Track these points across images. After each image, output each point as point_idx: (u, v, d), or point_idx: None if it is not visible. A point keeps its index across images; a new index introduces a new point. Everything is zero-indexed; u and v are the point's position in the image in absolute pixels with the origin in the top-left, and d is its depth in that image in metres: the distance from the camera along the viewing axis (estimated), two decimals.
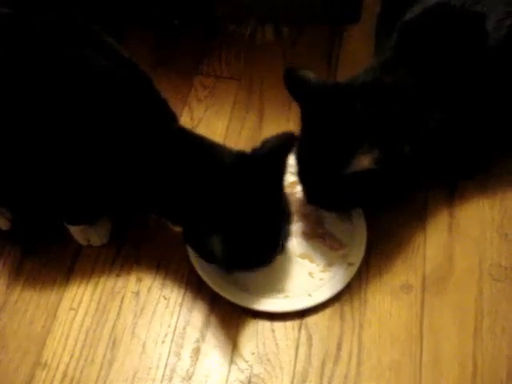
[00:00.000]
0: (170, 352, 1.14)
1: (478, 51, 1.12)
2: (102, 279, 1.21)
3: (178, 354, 1.14)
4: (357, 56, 1.50)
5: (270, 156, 1.08)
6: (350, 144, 1.06)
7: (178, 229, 1.18)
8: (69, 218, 1.20)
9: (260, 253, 1.11)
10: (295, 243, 1.22)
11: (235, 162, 1.08)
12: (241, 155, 1.10)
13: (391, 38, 1.18)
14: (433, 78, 1.12)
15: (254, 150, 1.10)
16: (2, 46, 1.00)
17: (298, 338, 1.15)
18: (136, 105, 1.06)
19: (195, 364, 1.13)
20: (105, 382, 1.11)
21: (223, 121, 1.40)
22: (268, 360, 1.13)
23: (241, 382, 1.11)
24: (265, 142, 1.10)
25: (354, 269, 1.19)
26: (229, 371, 1.12)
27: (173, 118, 1.14)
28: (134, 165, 1.06)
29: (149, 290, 1.20)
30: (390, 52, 1.17)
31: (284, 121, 1.41)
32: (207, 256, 1.13)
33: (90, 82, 1.02)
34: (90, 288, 1.20)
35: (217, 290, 1.17)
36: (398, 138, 1.08)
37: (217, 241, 1.02)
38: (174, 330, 1.16)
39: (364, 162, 1.04)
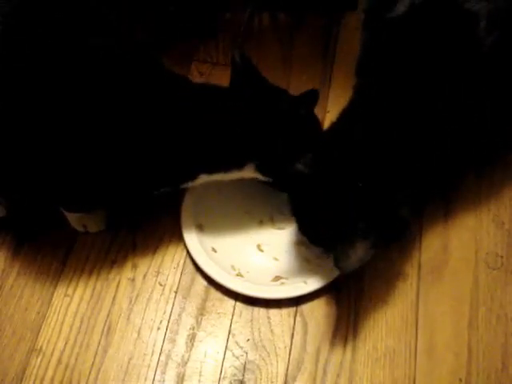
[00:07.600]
0: (165, 338, 1.14)
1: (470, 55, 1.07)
2: (98, 265, 1.21)
3: (173, 341, 1.14)
4: (354, 43, 1.48)
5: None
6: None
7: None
8: (76, 205, 1.18)
9: None
10: (290, 229, 1.22)
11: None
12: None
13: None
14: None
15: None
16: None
17: (294, 324, 1.15)
18: (153, 77, 1.06)
19: (190, 350, 1.13)
20: (99, 368, 1.11)
21: None
22: (263, 347, 1.13)
23: (236, 368, 1.11)
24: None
25: None
26: (224, 358, 1.12)
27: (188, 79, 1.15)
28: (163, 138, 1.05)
29: (144, 276, 1.20)
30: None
31: None
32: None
33: (94, 63, 0.99)
34: (85, 274, 1.20)
35: (212, 276, 1.17)
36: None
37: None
38: (170, 317, 1.16)
39: None
